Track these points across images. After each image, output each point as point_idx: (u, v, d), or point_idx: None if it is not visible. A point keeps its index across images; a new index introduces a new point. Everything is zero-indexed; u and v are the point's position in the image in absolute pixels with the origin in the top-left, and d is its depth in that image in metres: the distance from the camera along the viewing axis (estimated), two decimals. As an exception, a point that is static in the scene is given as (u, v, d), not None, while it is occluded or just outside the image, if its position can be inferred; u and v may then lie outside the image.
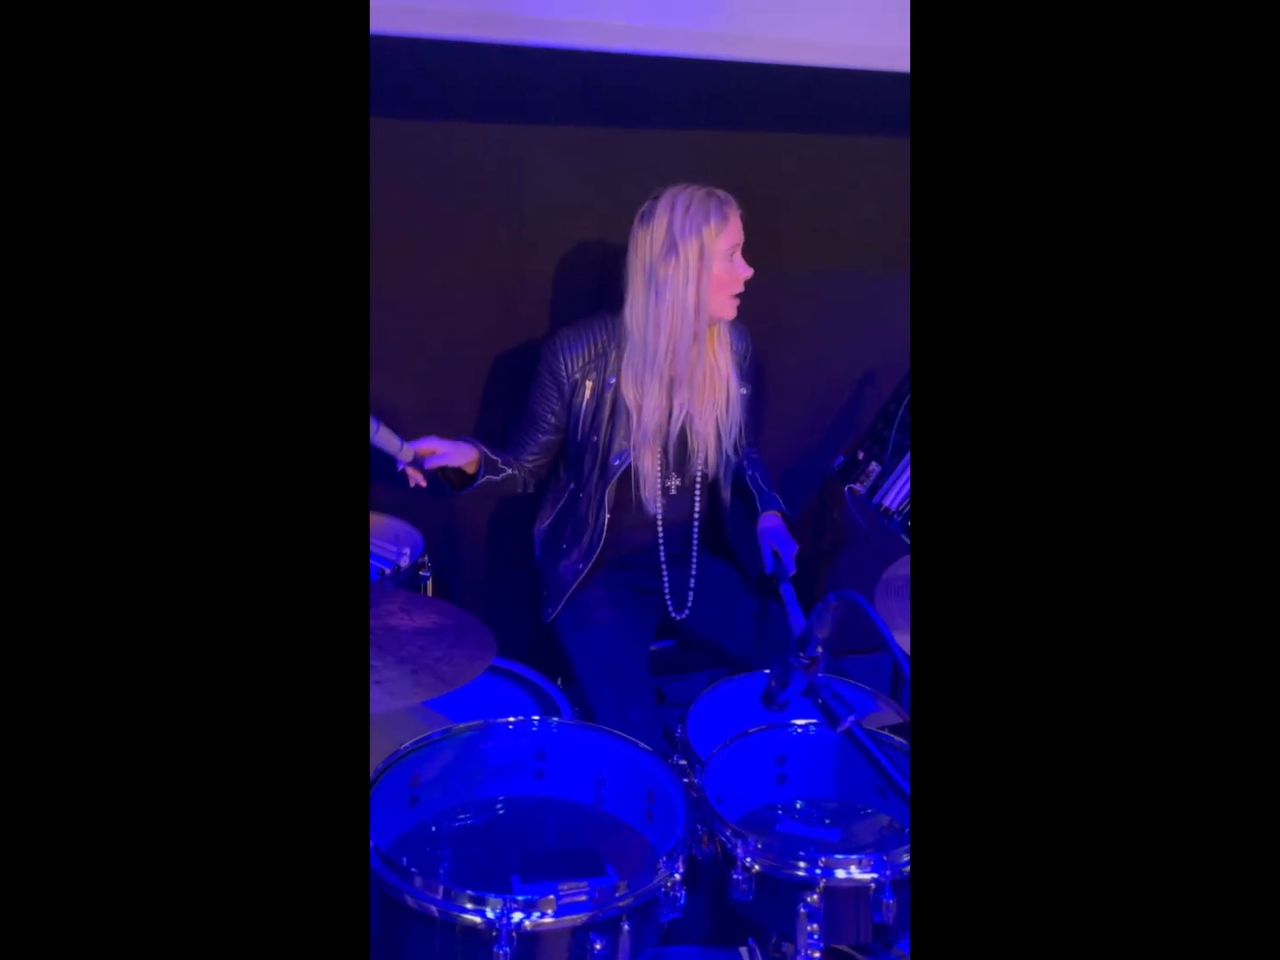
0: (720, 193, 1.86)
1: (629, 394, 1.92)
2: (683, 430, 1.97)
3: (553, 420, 1.98)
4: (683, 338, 1.87)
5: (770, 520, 2.06)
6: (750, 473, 2.10)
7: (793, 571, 1.97)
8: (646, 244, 1.84)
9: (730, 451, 2.03)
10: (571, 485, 2.04)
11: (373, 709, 1.21)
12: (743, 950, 1.53)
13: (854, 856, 1.34)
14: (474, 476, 1.93)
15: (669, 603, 2.08)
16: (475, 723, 1.50)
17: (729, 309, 1.90)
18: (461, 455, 1.89)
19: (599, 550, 2.00)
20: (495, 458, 1.95)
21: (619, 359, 1.93)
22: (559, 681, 1.90)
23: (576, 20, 1.90)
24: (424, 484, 1.87)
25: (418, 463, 1.83)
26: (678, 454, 2.00)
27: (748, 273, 1.88)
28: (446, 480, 1.94)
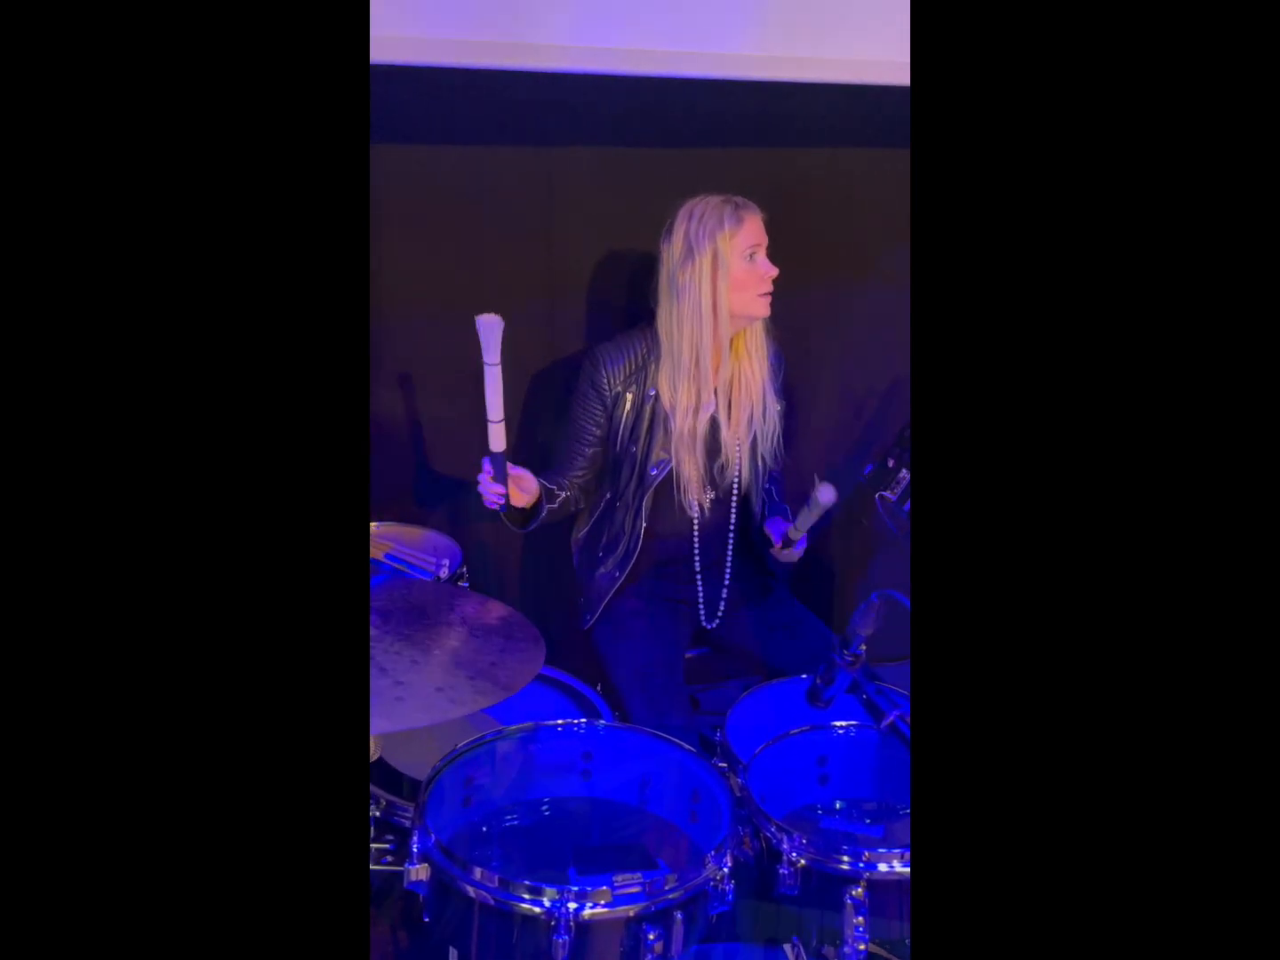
0: (737, 198, 1.91)
1: (665, 399, 1.97)
2: (718, 440, 2.02)
3: (596, 432, 2.03)
4: (704, 338, 1.92)
5: (773, 523, 2.08)
6: (767, 486, 2.13)
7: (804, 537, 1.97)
8: (669, 255, 1.92)
9: (768, 459, 2.07)
10: (608, 495, 2.08)
11: (436, 718, 1.26)
12: (786, 947, 1.56)
13: (897, 851, 1.37)
14: (535, 510, 1.94)
15: (702, 612, 2.12)
16: (525, 725, 1.54)
17: (759, 306, 1.94)
18: (528, 486, 1.88)
19: (635, 558, 2.04)
20: (550, 485, 1.97)
21: (657, 370, 1.98)
22: (598, 687, 1.94)
23: (598, 47, 1.98)
24: (500, 501, 1.83)
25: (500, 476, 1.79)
26: (714, 464, 2.03)
27: (772, 271, 1.92)
28: (511, 520, 1.94)
